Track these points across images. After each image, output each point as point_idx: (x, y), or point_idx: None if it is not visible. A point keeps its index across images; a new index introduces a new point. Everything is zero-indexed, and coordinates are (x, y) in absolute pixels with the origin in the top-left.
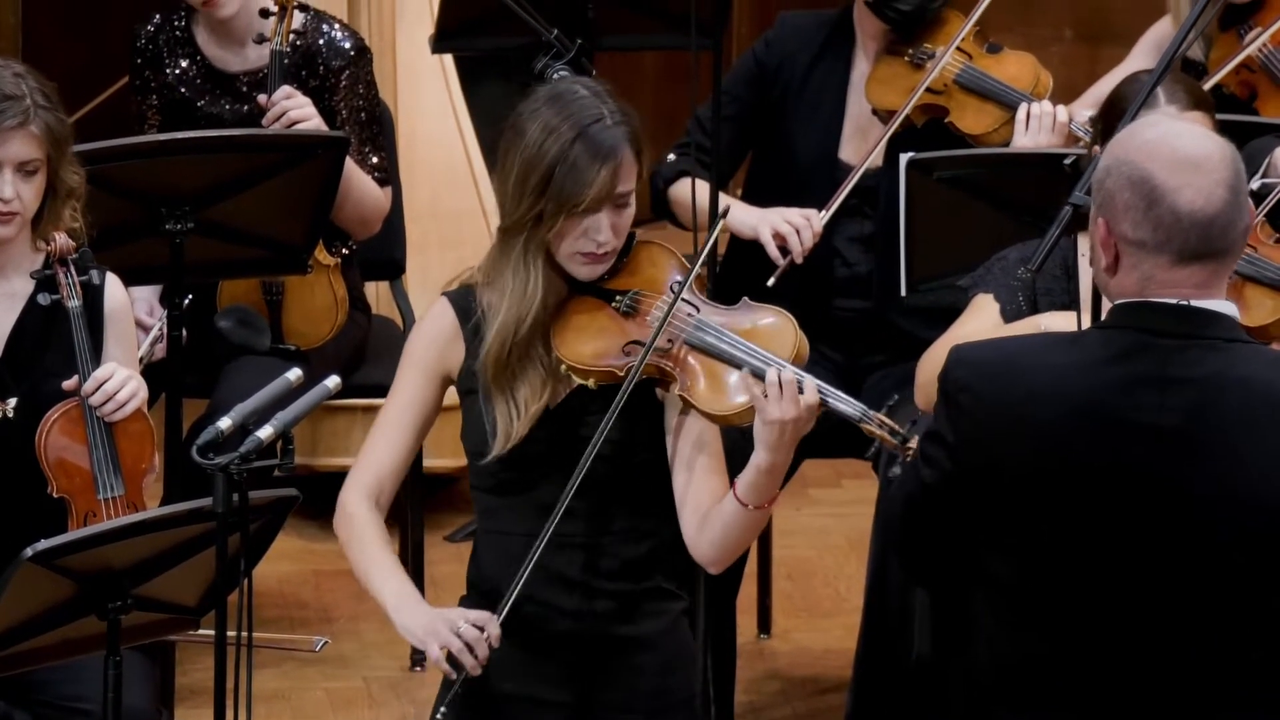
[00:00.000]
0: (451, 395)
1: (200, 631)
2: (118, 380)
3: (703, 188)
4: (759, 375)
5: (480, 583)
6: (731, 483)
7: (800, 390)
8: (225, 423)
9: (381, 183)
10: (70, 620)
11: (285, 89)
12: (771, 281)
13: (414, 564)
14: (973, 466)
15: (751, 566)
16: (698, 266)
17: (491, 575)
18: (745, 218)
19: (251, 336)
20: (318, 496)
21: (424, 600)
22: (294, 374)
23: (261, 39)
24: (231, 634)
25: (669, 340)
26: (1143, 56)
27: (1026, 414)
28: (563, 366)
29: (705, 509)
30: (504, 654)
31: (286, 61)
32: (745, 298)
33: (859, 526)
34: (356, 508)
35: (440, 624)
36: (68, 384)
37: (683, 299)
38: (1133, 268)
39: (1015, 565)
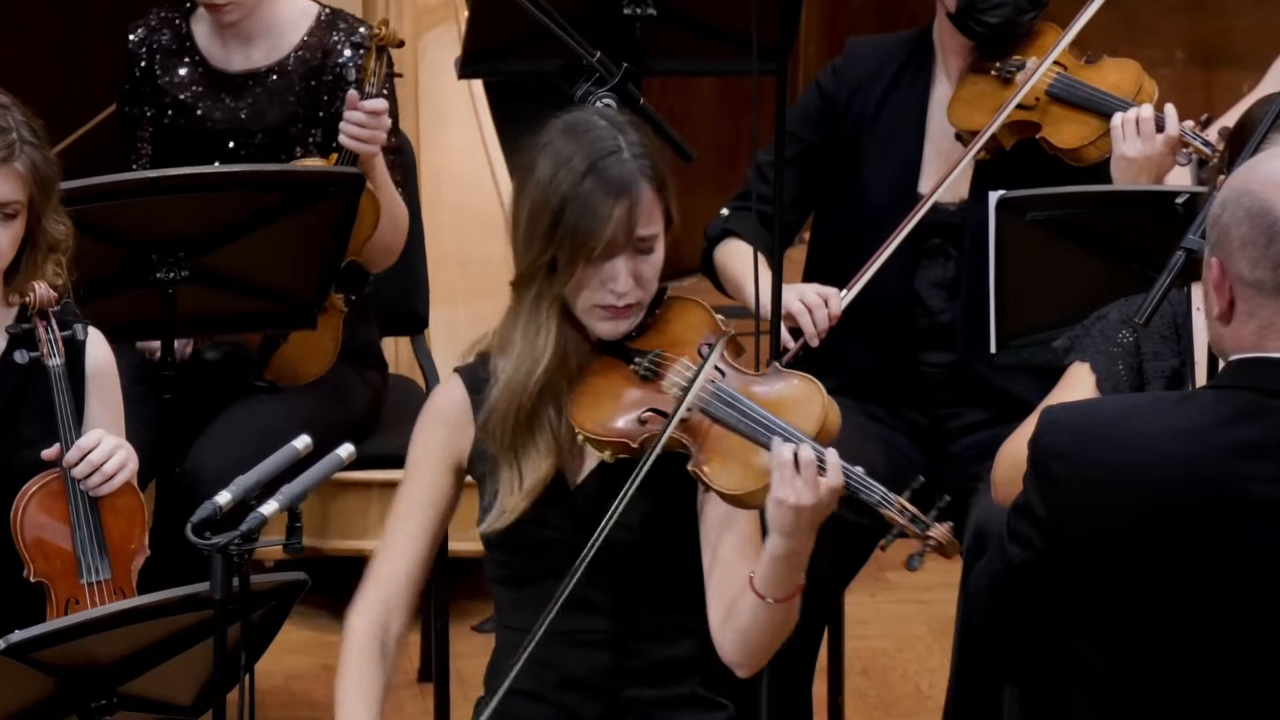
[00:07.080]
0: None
1: None
2: (104, 449)
3: (748, 250)
4: (769, 448)
5: (494, 684)
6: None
7: (822, 471)
8: (224, 497)
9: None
10: None
11: (381, 103)
12: (784, 362)
13: (438, 657)
14: (1065, 543)
15: (822, 660)
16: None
17: (504, 675)
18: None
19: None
20: (328, 581)
21: None
22: (302, 443)
23: (356, 83)
24: None
25: (689, 410)
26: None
27: (1125, 485)
28: (579, 436)
29: (731, 598)
30: None
31: (330, 79)
32: (775, 363)
33: (942, 614)
34: (352, 631)
35: None
36: (48, 453)
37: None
38: (1249, 315)
39: (1113, 655)
